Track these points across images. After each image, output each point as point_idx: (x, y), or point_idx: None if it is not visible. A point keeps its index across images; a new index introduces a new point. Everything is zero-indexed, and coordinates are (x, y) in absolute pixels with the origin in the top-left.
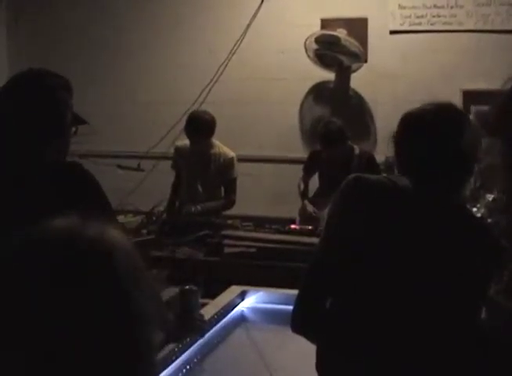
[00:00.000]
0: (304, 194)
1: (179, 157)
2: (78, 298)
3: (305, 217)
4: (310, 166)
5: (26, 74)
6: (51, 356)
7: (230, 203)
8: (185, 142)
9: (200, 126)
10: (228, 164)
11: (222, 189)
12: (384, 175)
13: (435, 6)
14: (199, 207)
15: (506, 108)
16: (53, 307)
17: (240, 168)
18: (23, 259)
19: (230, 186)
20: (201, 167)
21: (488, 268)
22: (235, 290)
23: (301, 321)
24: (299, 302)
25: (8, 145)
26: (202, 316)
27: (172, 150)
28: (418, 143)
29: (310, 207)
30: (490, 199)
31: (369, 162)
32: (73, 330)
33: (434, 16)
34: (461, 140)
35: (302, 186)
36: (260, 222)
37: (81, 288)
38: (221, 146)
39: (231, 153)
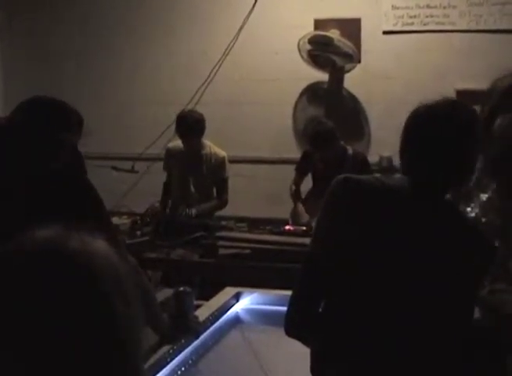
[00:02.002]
0: (295, 196)
1: (170, 159)
2: (60, 308)
3: (297, 219)
4: (303, 166)
5: (31, 110)
6: (35, 360)
7: (223, 203)
8: (176, 143)
9: (192, 125)
10: (219, 164)
11: (214, 189)
12: (377, 175)
13: (428, 6)
14: (193, 211)
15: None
16: (36, 316)
17: (234, 169)
18: (5, 270)
19: (222, 185)
20: (193, 167)
21: (483, 268)
22: (229, 291)
23: (294, 324)
24: (292, 305)
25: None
26: (197, 317)
27: (165, 152)
28: (425, 141)
29: (301, 208)
30: (484, 198)
31: (362, 163)
32: (57, 338)
33: (427, 16)
34: (468, 140)
35: (293, 188)
36: (255, 223)
37: (63, 299)
38: (213, 146)
39: (222, 153)
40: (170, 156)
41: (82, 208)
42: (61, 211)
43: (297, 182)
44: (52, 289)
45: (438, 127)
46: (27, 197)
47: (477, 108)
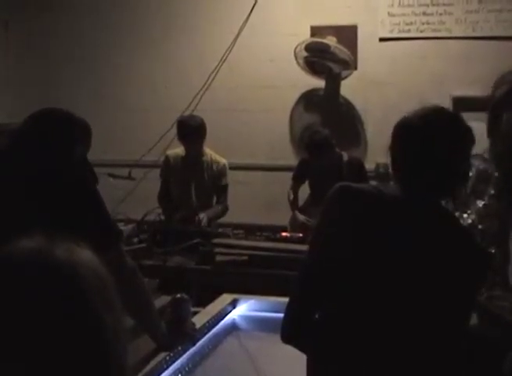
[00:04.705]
0: (294, 204)
1: (169, 167)
2: (45, 318)
3: (296, 227)
4: (299, 174)
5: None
6: (20, 370)
7: (226, 209)
8: (175, 151)
9: (195, 128)
10: (220, 171)
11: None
12: (373, 182)
13: (424, 13)
14: (205, 218)
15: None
16: (20, 326)
17: (231, 176)
18: None
19: (223, 192)
20: (194, 174)
21: (476, 276)
22: (226, 298)
23: (291, 331)
24: (288, 313)
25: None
26: (193, 324)
27: (162, 159)
28: (412, 149)
29: (301, 217)
30: (480, 205)
31: (359, 168)
32: (42, 348)
33: (423, 23)
34: (455, 147)
35: (292, 196)
36: (251, 230)
37: (46, 308)
38: (213, 153)
39: (223, 160)
40: (169, 163)
41: (83, 216)
42: (61, 219)
43: (295, 189)
44: (37, 299)
45: (428, 136)
46: (34, 208)
47: (475, 114)
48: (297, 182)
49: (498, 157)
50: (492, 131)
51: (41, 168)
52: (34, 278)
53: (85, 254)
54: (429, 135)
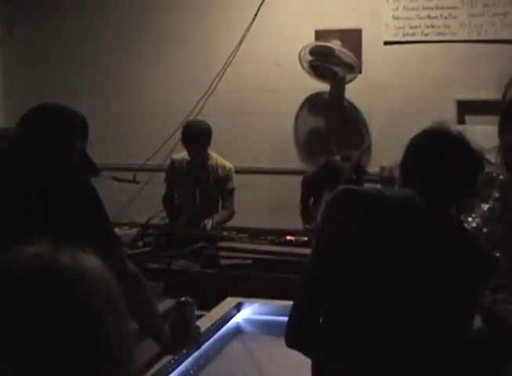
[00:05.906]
0: (304, 214)
1: (174, 171)
2: (50, 324)
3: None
4: (305, 194)
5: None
6: None
7: (233, 213)
8: (181, 155)
9: (198, 133)
10: (226, 175)
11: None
12: (373, 185)
13: (429, 17)
14: (210, 223)
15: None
16: (25, 332)
17: (236, 180)
18: None
19: (229, 196)
20: (199, 179)
21: (480, 278)
22: (231, 301)
23: (295, 335)
24: (293, 316)
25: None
26: (198, 327)
27: (168, 162)
28: (432, 157)
29: (306, 226)
30: (485, 208)
31: (357, 168)
32: (46, 354)
33: (427, 27)
34: (470, 158)
35: (301, 208)
36: (256, 234)
37: (52, 315)
38: (219, 157)
39: (228, 165)
40: (174, 167)
41: (82, 219)
42: (62, 224)
43: (304, 206)
44: (42, 306)
45: (444, 145)
46: (36, 212)
47: (479, 118)
48: (304, 200)
49: (506, 158)
50: (502, 133)
51: (41, 170)
52: (36, 283)
53: (91, 261)
54: (452, 144)
